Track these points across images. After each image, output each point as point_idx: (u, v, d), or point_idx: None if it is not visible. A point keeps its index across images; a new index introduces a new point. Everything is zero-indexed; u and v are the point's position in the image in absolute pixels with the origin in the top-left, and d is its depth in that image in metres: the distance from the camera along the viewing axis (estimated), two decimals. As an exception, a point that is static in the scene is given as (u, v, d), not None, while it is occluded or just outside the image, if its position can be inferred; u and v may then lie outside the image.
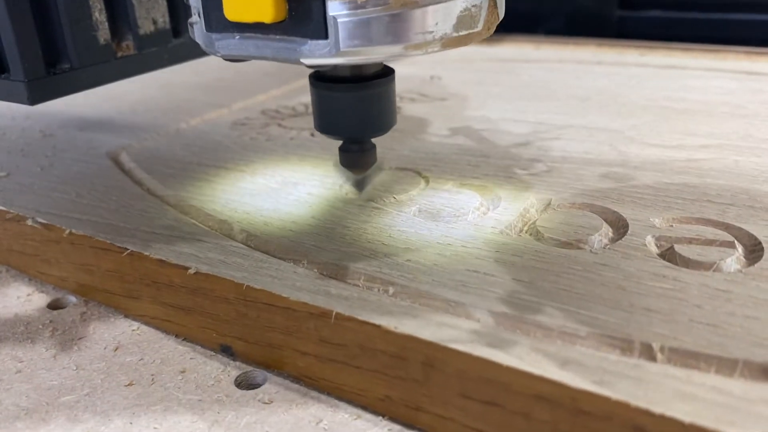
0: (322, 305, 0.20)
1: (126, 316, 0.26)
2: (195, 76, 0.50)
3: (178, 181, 0.30)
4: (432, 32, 0.20)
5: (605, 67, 0.46)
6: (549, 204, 0.26)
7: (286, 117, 0.39)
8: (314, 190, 0.28)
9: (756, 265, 0.21)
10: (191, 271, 0.23)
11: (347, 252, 0.23)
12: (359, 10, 0.19)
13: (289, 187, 0.29)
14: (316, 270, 0.22)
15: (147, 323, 0.25)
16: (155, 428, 0.20)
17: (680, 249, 0.22)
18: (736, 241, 0.22)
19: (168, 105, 0.43)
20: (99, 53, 0.28)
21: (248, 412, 0.21)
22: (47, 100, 0.27)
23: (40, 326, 0.26)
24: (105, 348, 0.24)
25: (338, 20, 0.19)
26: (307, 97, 0.42)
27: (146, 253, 0.24)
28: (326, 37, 0.19)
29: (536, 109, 0.37)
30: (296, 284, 0.22)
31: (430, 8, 0.19)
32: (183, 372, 0.23)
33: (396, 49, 0.20)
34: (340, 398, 0.21)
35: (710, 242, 0.22)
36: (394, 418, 0.20)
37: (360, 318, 0.20)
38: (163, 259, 0.24)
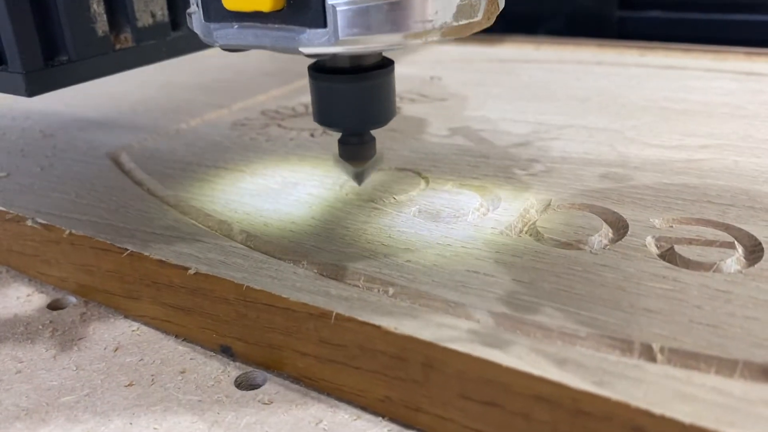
0: (321, 306, 0.20)
1: (126, 317, 0.26)
2: (195, 76, 0.50)
3: (178, 181, 0.30)
4: (432, 21, 0.20)
5: (605, 67, 0.46)
6: (549, 205, 0.26)
7: (286, 117, 0.39)
8: (314, 191, 0.28)
9: (756, 265, 0.21)
10: (191, 272, 0.23)
11: (347, 252, 0.23)
12: None
13: (289, 187, 0.29)
14: (315, 270, 0.22)
15: (147, 324, 0.25)
16: (155, 428, 0.20)
17: (680, 250, 0.22)
18: (736, 242, 0.22)
19: (168, 105, 0.43)
20: (97, 45, 0.28)
21: (248, 413, 0.21)
22: (45, 92, 0.27)
23: (40, 327, 0.26)
24: (105, 348, 0.24)
25: (337, 8, 0.19)
26: (307, 98, 0.42)
27: (146, 254, 0.24)
28: (325, 25, 0.19)
29: (536, 110, 0.37)
30: (296, 285, 0.22)
31: (430, -3, 0.19)
32: (183, 372, 0.23)
33: (395, 37, 0.19)
34: (340, 399, 0.21)
35: (710, 243, 0.22)
36: (393, 419, 0.20)
37: (360, 319, 0.20)
38: (163, 259, 0.24)
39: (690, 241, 0.23)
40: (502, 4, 0.22)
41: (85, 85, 0.51)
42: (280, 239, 0.24)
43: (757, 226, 0.23)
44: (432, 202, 0.26)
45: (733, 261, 0.21)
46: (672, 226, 0.24)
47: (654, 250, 0.22)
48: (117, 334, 0.25)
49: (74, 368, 0.23)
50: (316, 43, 0.19)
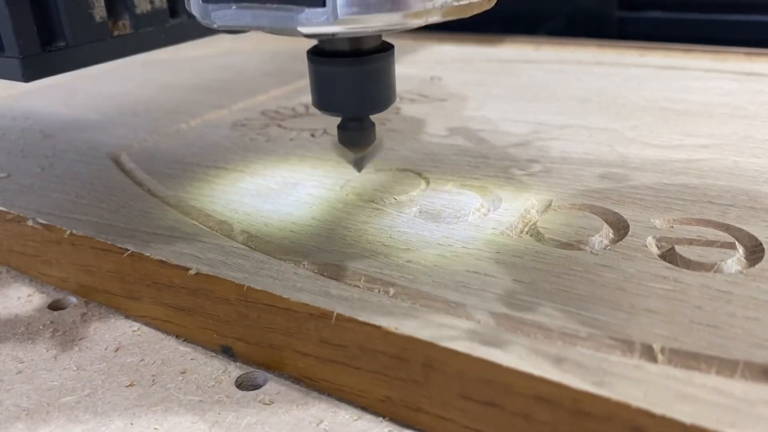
0: (322, 306, 0.20)
1: (126, 317, 0.26)
2: (195, 76, 0.50)
3: (178, 181, 0.30)
4: (432, 0, 0.19)
5: (605, 67, 0.46)
6: (549, 205, 0.26)
7: (286, 118, 0.39)
8: (314, 191, 0.28)
9: (757, 266, 0.21)
10: (192, 272, 0.23)
11: (348, 253, 0.23)
12: None
13: (289, 187, 0.29)
14: (316, 271, 0.22)
15: (147, 324, 0.25)
16: (156, 429, 0.20)
17: (681, 250, 0.22)
18: (736, 242, 0.22)
19: (168, 106, 0.43)
20: (95, 31, 0.27)
21: (249, 413, 0.21)
22: (42, 78, 0.27)
23: (41, 327, 0.26)
24: (106, 349, 0.24)
25: None
26: (307, 98, 0.42)
27: (147, 254, 0.24)
28: (324, 4, 0.19)
29: (536, 110, 0.37)
30: (297, 285, 0.22)
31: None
32: (184, 373, 0.23)
33: (395, 17, 0.19)
34: (341, 399, 0.21)
35: (711, 243, 0.22)
36: (394, 419, 0.20)
37: (360, 319, 0.20)
38: (164, 259, 0.24)
39: (690, 242, 0.23)
40: None
41: (85, 85, 0.51)
42: (280, 239, 0.24)
43: (757, 227, 0.23)
44: (432, 203, 0.26)
45: (734, 261, 0.21)
46: (672, 227, 0.24)
47: (654, 250, 0.22)
48: (118, 335, 0.25)
49: (75, 368, 0.23)
50: (315, 23, 0.19)
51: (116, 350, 0.24)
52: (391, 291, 0.21)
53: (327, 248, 0.24)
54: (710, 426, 0.15)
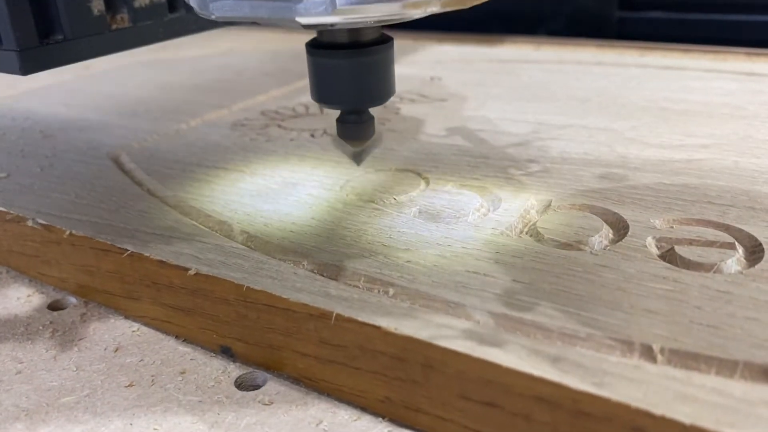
0: (322, 306, 0.20)
1: (126, 317, 0.26)
2: (195, 76, 0.50)
3: (178, 181, 0.30)
4: None
5: (605, 68, 0.46)
6: (549, 205, 0.26)
7: (286, 118, 0.39)
8: (314, 191, 0.28)
9: (756, 266, 0.21)
10: (191, 272, 0.23)
11: (347, 253, 0.23)
12: None
13: (289, 188, 0.29)
14: (316, 271, 0.22)
15: (147, 324, 0.25)
16: (155, 429, 0.20)
17: (680, 250, 0.22)
18: (736, 243, 0.22)
19: (168, 106, 0.43)
20: (93, 25, 0.27)
21: (248, 414, 0.21)
22: (40, 71, 0.27)
23: (40, 327, 0.26)
24: (105, 349, 0.24)
25: None
26: (307, 99, 0.42)
27: (146, 254, 0.24)
28: None
29: (536, 110, 0.37)
30: (296, 285, 0.22)
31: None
32: (183, 373, 0.23)
33: (394, 6, 0.19)
34: (340, 399, 0.21)
35: (711, 243, 0.22)
36: (394, 420, 0.20)
37: (360, 319, 0.20)
38: (164, 260, 0.24)
39: (690, 242, 0.23)
40: None
41: (85, 85, 0.51)
42: (280, 240, 0.24)
43: (757, 227, 0.23)
44: (432, 203, 0.26)
45: (734, 262, 0.21)
46: (672, 227, 0.24)
47: (654, 250, 0.22)
48: (117, 335, 0.25)
49: (74, 369, 0.23)
50: (313, 13, 0.19)
51: (116, 350, 0.24)
52: (391, 291, 0.21)
53: (326, 248, 0.24)
54: (710, 426, 0.15)
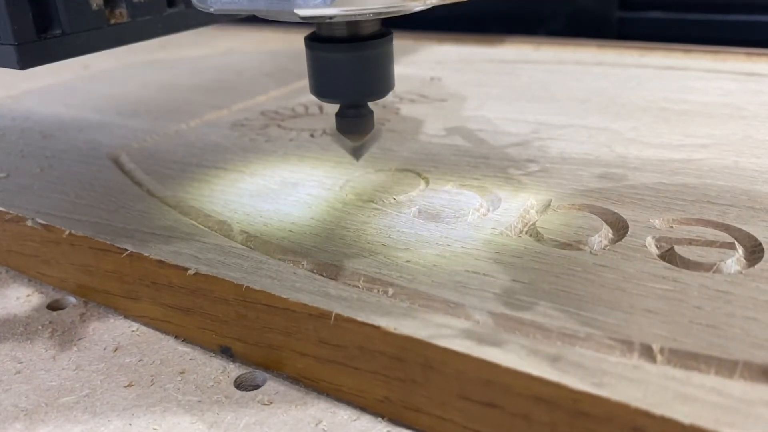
0: (321, 306, 0.20)
1: (125, 317, 0.26)
2: (195, 76, 0.50)
3: (177, 182, 0.30)
4: None
5: (605, 68, 0.46)
6: (549, 205, 0.26)
7: (286, 118, 0.39)
8: (314, 191, 0.28)
9: (756, 266, 0.21)
10: (191, 272, 0.23)
11: (347, 253, 0.23)
12: None
13: (289, 188, 0.29)
14: (315, 271, 0.22)
15: (146, 324, 0.25)
16: (154, 429, 0.20)
17: (680, 250, 0.22)
18: (736, 243, 0.22)
19: (168, 106, 0.43)
20: (91, 19, 0.27)
21: (248, 413, 0.21)
22: (38, 65, 0.27)
23: (40, 327, 0.26)
24: (104, 349, 0.24)
25: None
26: (306, 98, 0.42)
27: (146, 254, 0.24)
28: None
29: (536, 110, 0.37)
30: (296, 285, 0.22)
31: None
32: (182, 373, 0.23)
33: None
34: (340, 399, 0.21)
35: (710, 243, 0.22)
36: (393, 419, 0.20)
37: (359, 319, 0.20)
38: (163, 259, 0.24)
39: (690, 242, 0.23)
40: None
41: (85, 85, 0.51)
42: (279, 240, 0.24)
43: (757, 227, 0.23)
44: (432, 203, 0.26)
45: (733, 261, 0.21)
46: (672, 227, 0.24)
47: (654, 250, 0.22)
48: (116, 335, 0.25)
49: (74, 368, 0.23)
50: (312, 4, 0.19)
51: (115, 350, 0.24)
52: (390, 291, 0.21)
53: (326, 248, 0.24)
54: (709, 426, 0.15)
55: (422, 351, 0.19)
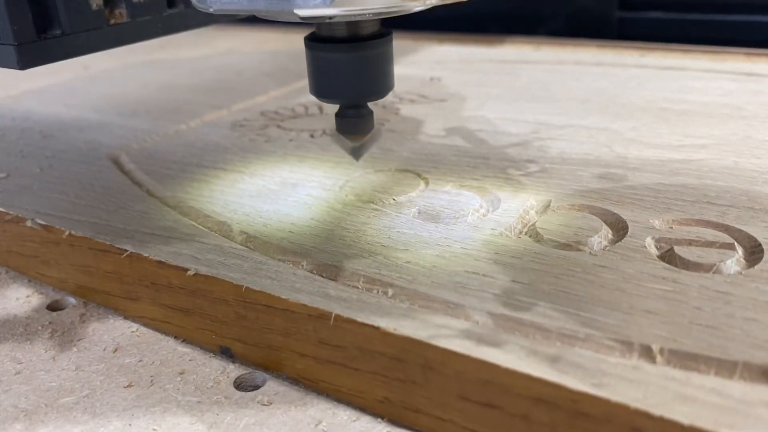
0: (321, 307, 0.20)
1: (125, 318, 0.26)
2: (195, 77, 0.50)
3: (177, 182, 0.30)
4: None
5: (605, 68, 0.46)
6: (548, 205, 0.26)
7: (286, 118, 0.39)
8: (313, 192, 0.28)
9: (756, 266, 0.21)
10: (190, 273, 0.23)
11: (346, 254, 0.23)
12: None
13: (289, 188, 0.29)
14: (315, 271, 0.22)
15: (146, 324, 0.25)
16: (154, 429, 0.20)
17: (680, 251, 0.22)
18: (736, 243, 0.22)
19: (168, 106, 0.43)
20: (91, 19, 0.27)
21: (247, 414, 0.21)
22: (37, 65, 0.27)
23: (40, 327, 0.26)
24: (104, 349, 0.24)
25: None
26: (306, 99, 0.42)
27: (145, 255, 0.24)
28: None
29: (535, 111, 0.37)
30: (295, 286, 0.22)
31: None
32: (182, 373, 0.23)
33: None
34: (340, 400, 0.21)
35: (710, 244, 0.22)
36: (393, 420, 0.20)
37: (359, 320, 0.20)
38: (163, 260, 0.24)
39: (690, 242, 0.23)
40: None
41: (85, 85, 0.51)
42: (279, 240, 0.24)
43: (756, 227, 0.23)
44: (431, 203, 0.26)
45: (733, 262, 0.21)
46: (672, 227, 0.24)
47: (653, 251, 0.22)
48: (116, 335, 0.25)
49: (73, 369, 0.23)
50: (312, 5, 0.19)
51: (115, 351, 0.24)
52: (390, 292, 0.21)
53: (326, 249, 0.24)
54: (709, 427, 0.15)
55: (422, 352, 0.19)
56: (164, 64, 0.55)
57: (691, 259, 0.21)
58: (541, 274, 0.21)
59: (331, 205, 0.27)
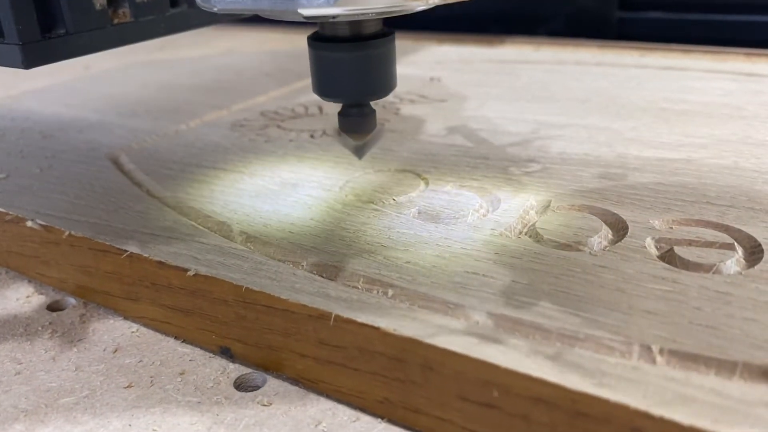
0: (321, 307, 0.20)
1: (125, 318, 0.26)
2: (195, 77, 0.50)
3: (177, 182, 0.30)
4: None
5: (605, 68, 0.46)
6: (548, 206, 0.26)
7: (286, 118, 0.39)
8: (313, 192, 0.28)
9: (756, 267, 0.21)
10: (190, 273, 0.23)
11: (346, 254, 0.23)
12: None
13: (288, 188, 0.29)
14: (315, 272, 0.22)
15: (146, 325, 0.25)
16: (154, 430, 0.20)
17: (680, 251, 0.22)
18: (735, 243, 0.22)
19: (167, 106, 0.43)
20: (95, 19, 0.27)
21: (247, 414, 0.21)
22: (42, 64, 0.27)
23: (40, 328, 0.26)
24: (104, 350, 0.24)
25: None
26: (306, 99, 0.42)
27: (145, 255, 0.24)
28: None
29: (536, 111, 0.37)
30: (295, 286, 0.22)
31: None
32: (182, 374, 0.23)
33: None
34: (339, 400, 0.21)
35: (710, 244, 0.22)
36: (392, 420, 0.20)
37: (359, 320, 0.20)
38: (163, 260, 0.24)
39: (689, 243, 0.23)
40: None
41: (85, 85, 0.51)
42: (279, 240, 0.24)
43: (756, 228, 0.23)
44: (431, 204, 0.26)
45: (733, 262, 0.21)
46: (671, 228, 0.24)
47: (653, 251, 0.22)
48: (116, 336, 0.25)
49: (73, 369, 0.23)
50: (315, 4, 0.19)
51: (115, 351, 0.24)
52: (390, 292, 0.21)
53: (326, 249, 0.24)
54: (708, 427, 0.15)
55: (422, 352, 0.19)
56: (164, 64, 0.55)
57: (690, 259, 0.22)
58: (541, 275, 0.21)
59: (331, 206, 0.27)
